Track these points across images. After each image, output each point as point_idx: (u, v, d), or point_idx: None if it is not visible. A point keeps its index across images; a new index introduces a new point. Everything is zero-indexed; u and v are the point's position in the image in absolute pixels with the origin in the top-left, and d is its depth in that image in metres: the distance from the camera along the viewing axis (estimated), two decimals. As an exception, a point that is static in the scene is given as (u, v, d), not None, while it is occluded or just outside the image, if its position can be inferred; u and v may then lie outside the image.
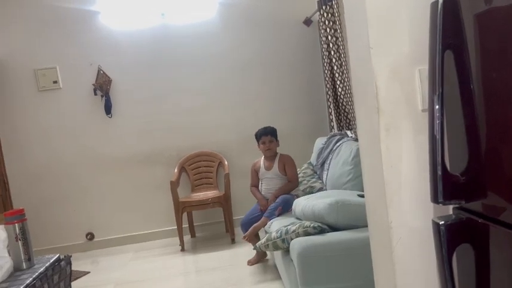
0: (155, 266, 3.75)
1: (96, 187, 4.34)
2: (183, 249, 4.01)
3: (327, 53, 3.83)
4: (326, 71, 3.93)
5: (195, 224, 4.36)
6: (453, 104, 0.97)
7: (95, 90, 4.22)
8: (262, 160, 3.47)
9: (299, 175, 3.66)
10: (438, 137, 0.95)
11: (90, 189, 4.33)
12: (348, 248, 2.13)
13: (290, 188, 3.36)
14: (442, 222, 0.97)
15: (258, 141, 3.43)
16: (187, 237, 4.28)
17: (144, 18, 4.25)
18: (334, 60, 3.67)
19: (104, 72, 4.24)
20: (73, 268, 3.74)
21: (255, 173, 3.51)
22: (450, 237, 0.97)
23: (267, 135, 3.38)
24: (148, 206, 4.39)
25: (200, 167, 4.36)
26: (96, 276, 3.65)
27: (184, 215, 4.14)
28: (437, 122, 0.95)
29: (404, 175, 1.06)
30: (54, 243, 4.25)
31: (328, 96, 4.05)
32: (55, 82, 4.23)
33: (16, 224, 1.54)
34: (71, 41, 4.21)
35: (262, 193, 3.44)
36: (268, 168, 3.42)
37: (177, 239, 4.07)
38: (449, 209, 1.04)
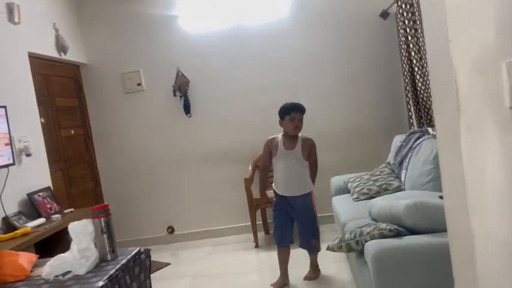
0: (231, 261, 3.85)
1: (177, 183, 4.55)
2: (257, 246, 4.06)
3: (405, 46, 3.64)
4: (404, 65, 3.73)
5: (268, 221, 4.40)
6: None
7: (174, 91, 4.43)
8: (280, 138, 3.03)
9: (375, 174, 3.54)
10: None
11: (171, 185, 4.56)
12: (427, 253, 2.00)
13: (315, 175, 3.10)
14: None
15: (283, 116, 2.98)
16: (261, 234, 4.33)
17: (219, 20, 4.36)
18: (413, 53, 3.47)
19: (182, 73, 4.43)
20: (155, 259, 4.00)
21: (269, 152, 3.05)
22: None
23: (298, 112, 2.95)
24: (225, 202, 4.51)
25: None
26: (176, 268, 3.83)
27: (258, 212, 4.19)
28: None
29: (489, 180, 0.96)
30: (138, 235, 4.55)
31: (407, 91, 3.84)
32: (139, 84, 4.51)
33: (102, 218, 1.66)
34: (153, 45, 4.46)
35: (277, 177, 3.05)
36: (289, 148, 2.98)
37: (251, 235, 4.13)
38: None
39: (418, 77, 3.47)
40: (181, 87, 4.41)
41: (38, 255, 1.77)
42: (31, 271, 1.64)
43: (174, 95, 4.44)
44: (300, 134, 3.02)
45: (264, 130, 4.39)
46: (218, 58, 4.43)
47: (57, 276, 1.52)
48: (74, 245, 1.58)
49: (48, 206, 3.33)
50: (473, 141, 0.96)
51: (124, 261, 1.62)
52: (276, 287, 3.06)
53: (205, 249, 4.22)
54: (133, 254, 1.70)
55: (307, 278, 3.12)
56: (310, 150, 3.01)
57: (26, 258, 1.64)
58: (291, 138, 3.00)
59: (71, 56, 4.18)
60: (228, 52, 4.42)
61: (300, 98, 4.34)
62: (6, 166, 2.98)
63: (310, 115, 4.39)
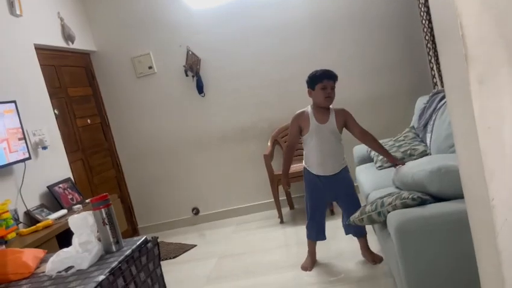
0: (256, 238, 3.80)
1: (196, 164, 4.51)
2: (282, 222, 4.00)
3: (424, 1, 3.37)
4: (424, 21, 3.47)
5: (292, 196, 4.31)
6: None
7: (186, 71, 4.33)
8: (310, 111, 2.67)
9: (399, 139, 3.35)
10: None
11: (191, 166, 4.52)
12: (453, 220, 1.84)
13: (376, 140, 2.71)
14: None
15: (313, 85, 2.62)
16: (285, 210, 4.26)
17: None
18: (432, 6, 3.21)
19: (192, 52, 4.31)
20: (181, 241, 4.02)
21: (299, 128, 2.69)
22: None
23: (330, 80, 2.58)
24: (246, 180, 4.45)
25: (293, 138, 4.25)
26: (202, 249, 3.82)
27: (281, 187, 4.11)
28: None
29: (508, 139, 0.81)
30: (164, 219, 4.58)
31: (428, 49, 3.59)
32: (150, 67, 4.43)
33: (102, 209, 1.60)
34: (160, 26, 4.35)
35: (310, 155, 2.70)
36: (323, 121, 2.63)
37: (276, 212, 4.07)
38: None
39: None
40: (192, 66, 4.31)
41: (46, 251, 1.74)
42: (38, 267, 1.62)
43: (186, 75, 4.34)
44: (331, 106, 2.68)
45: (280, 104, 4.28)
46: (227, 33, 4.28)
47: (60, 272, 1.49)
48: (75, 239, 1.54)
49: (70, 196, 3.36)
50: (487, 96, 0.81)
51: (128, 252, 1.57)
52: (307, 266, 2.87)
53: (231, 229, 4.19)
54: (138, 243, 1.64)
55: (375, 261, 2.75)
56: (347, 122, 2.66)
57: (32, 255, 1.62)
58: (322, 110, 2.65)
59: (79, 44, 4.13)
60: (237, 26, 4.25)
61: (314, 67, 4.20)
62: (23, 161, 2.99)
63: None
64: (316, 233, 2.85)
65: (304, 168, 2.79)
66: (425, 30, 3.53)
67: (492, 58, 0.81)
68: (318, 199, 2.79)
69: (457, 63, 0.84)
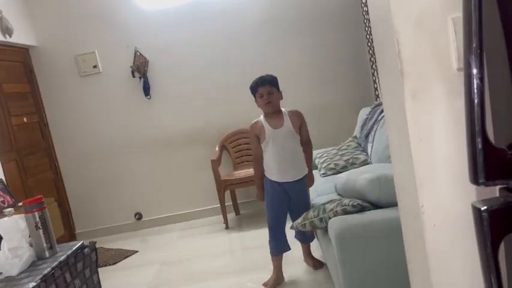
0: (201, 244, 3.76)
1: (141, 168, 4.39)
2: (227, 227, 3.99)
3: (368, 15, 3.54)
4: (368, 36, 3.64)
5: (238, 202, 4.32)
6: (496, 59, 0.76)
7: (132, 72, 4.22)
8: (263, 119, 2.61)
9: (342, 148, 3.47)
10: (477, 101, 0.75)
11: (136, 170, 4.40)
12: (390, 227, 1.92)
13: (312, 154, 2.77)
14: (485, 207, 0.78)
15: (254, 95, 2.62)
16: (231, 215, 4.25)
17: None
18: (376, 22, 3.37)
19: (140, 53, 4.22)
20: (122, 247, 3.89)
21: (257, 138, 2.62)
22: (495, 226, 0.78)
23: (264, 85, 2.55)
24: (192, 185, 4.39)
25: (241, 145, 4.27)
26: (144, 255, 3.72)
27: (228, 193, 4.10)
28: (475, 82, 0.75)
29: (437, 150, 0.87)
30: (104, 224, 4.41)
31: (372, 63, 3.76)
32: (95, 67, 4.27)
33: (36, 213, 1.51)
34: (108, 25, 4.21)
35: (270, 162, 2.62)
36: (277, 126, 2.57)
37: (221, 217, 4.05)
38: (496, 191, 0.84)
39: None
40: (139, 67, 4.21)
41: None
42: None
43: (133, 76, 4.23)
44: (283, 109, 2.63)
45: (229, 109, 4.28)
46: (177, 36, 4.22)
47: (-15, 279, 1.38)
48: (4, 244, 1.44)
49: (1, 199, 3.14)
50: (419, 108, 0.86)
51: (63, 257, 1.49)
52: (268, 284, 2.71)
53: (175, 234, 4.12)
54: (74, 249, 1.57)
55: (316, 266, 2.83)
56: (300, 122, 2.62)
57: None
58: (274, 115, 2.59)
59: (18, 38, 3.90)
60: (187, 29, 4.21)
61: (263, 73, 4.26)
62: None
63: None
64: (280, 246, 2.72)
65: (265, 177, 2.68)
66: (369, 44, 3.69)
67: (425, 74, 0.86)
68: (279, 207, 2.68)
69: (393, 78, 0.89)
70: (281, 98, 2.62)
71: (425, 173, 0.88)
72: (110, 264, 3.54)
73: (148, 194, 4.42)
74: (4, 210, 3.02)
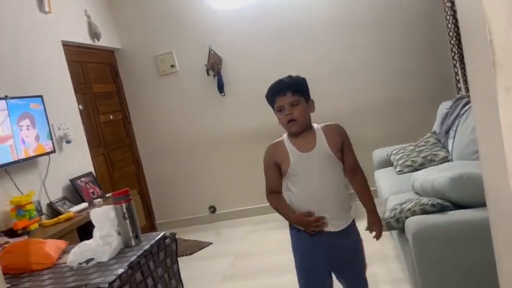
0: (271, 239, 3.80)
1: (215, 163, 4.54)
2: (298, 224, 3.98)
3: (450, 4, 3.32)
4: (450, 25, 3.41)
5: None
6: None
7: (207, 71, 4.36)
8: (285, 140, 1.78)
9: (420, 144, 3.31)
10: None
11: (210, 165, 4.55)
12: (475, 229, 1.81)
13: (367, 184, 1.82)
14: None
15: (272, 107, 1.80)
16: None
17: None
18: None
19: (214, 52, 4.35)
20: (198, 239, 4.05)
21: (276, 166, 1.80)
22: None
23: (284, 94, 1.71)
24: (264, 181, 4.43)
25: (312, 140, 4.23)
26: (218, 247, 3.85)
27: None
28: None
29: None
30: (180, 216, 4.63)
31: (453, 53, 3.53)
32: (172, 66, 4.49)
33: (123, 204, 1.63)
34: (184, 25, 4.40)
35: (298, 203, 1.75)
36: (307, 148, 1.72)
37: (293, 213, 4.05)
38: None
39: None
40: (214, 66, 4.34)
41: (67, 242, 1.79)
42: (60, 258, 1.66)
43: (208, 74, 4.38)
44: (315, 124, 1.79)
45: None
46: (250, 33, 4.30)
47: (80, 263, 1.52)
48: (96, 232, 1.57)
49: (91, 190, 3.43)
50: (513, 102, 0.79)
51: (147, 246, 1.59)
52: None
53: (247, 228, 4.21)
54: (157, 239, 1.67)
55: None
56: (342, 141, 1.75)
57: (54, 246, 1.66)
58: (303, 134, 1.75)
59: (105, 41, 4.21)
60: (260, 26, 4.27)
61: (337, 70, 4.20)
62: (47, 154, 3.07)
63: (348, 87, 4.22)
64: None
65: (290, 226, 1.86)
66: (450, 34, 3.47)
67: (520, 64, 0.79)
68: (316, 272, 1.79)
69: (484, 69, 0.83)
70: (312, 110, 1.79)
71: (520, 172, 0.81)
72: (186, 255, 3.72)
73: (222, 188, 4.56)
74: (94, 200, 3.29)
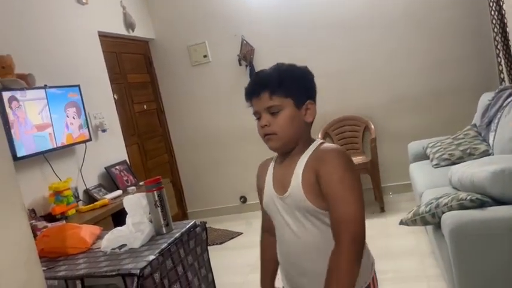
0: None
1: (246, 153, 4.53)
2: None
3: (495, -11, 3.15)
4: (493, 13, 3.24)
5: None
6: None
7: (239, 61, 4.35)
8: (274, 161, 1.32)
9: (458, 137, 3.18)
10: None
11: (241, 155, 4.55)
12: (516, 226, 1.73)
13: (352, 269, 1.08)
14: None
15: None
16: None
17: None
18: (504, -4, 2.99)
19: (246, 42, 4.32)
20: (228, 228, 4.08)
21: (262, 193, 1.30)
22: None
23: (259, 95, 1.16)
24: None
25: (345, 132, 4.17)
26: (248, 237, 3.86)
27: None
28: None
29: None
30: (212, 205, 4.68)
31: (496, 42, 3.36)
32: (205, 56, 4.50)
33: (155, 192, 1.65)
34: (216, 15, 4.40)
35: (279, 253, 1.26)
36: (281, 186, 1.20)
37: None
38: None
39: (510, 25, 3.00)
40: (246, 56, 4.32)
41: (102, 228, 1.83)
42: (94, 243, 1.70)
43: (240, 65, 4.37)
44: (317, 140, 1.23)
45: (335, 96, 4.19)
46: (282, 23, 4.24)
47: (113, 249, 1.56)
48: (128, 219, 1.60)
49: (125, 178, 3.51)
50: None
51: (177, 234, 1.61)
52: None
53: (277, 219, 4.19)
54: (187, 227, 1.69)
55: None
56: (315, 177, 1.12)
57: (89, 231, 1.71)
58: (289, 157, 1.22)
59: (139, 32, 4.27)
60: (292, 16, 4.21)
61: (370, 60, 4.09)
62: (84, 142, 3.16)
63: (384, 76, 4.10)
64: None
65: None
66: (494, 22, 3.30)
67: None
68: None
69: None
70: (309, 117, 1.23)
71: None
72: (217, 244, 3.75)
73: (253, 179, 4.51)
74: (128, 188, 3.37)
